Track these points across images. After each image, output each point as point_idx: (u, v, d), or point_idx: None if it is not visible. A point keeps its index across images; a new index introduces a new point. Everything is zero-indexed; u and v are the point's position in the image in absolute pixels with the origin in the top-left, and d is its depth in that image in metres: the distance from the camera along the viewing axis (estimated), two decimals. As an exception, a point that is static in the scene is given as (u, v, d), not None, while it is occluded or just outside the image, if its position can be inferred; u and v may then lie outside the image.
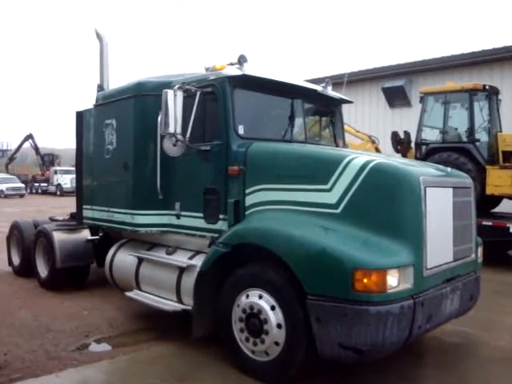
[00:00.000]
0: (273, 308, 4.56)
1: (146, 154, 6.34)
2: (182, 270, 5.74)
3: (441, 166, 5.57)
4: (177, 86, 5.41)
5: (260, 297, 4.68)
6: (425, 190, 4.39)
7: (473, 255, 5.38)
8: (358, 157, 4.64)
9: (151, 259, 6.33)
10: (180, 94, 5.37)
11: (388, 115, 20.06)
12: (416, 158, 13.36)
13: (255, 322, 4.68)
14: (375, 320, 3.94)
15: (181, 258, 5.93)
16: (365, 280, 3.93)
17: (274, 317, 4.54)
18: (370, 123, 19.86)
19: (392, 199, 4.34)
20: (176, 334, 6.05)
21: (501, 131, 12.89)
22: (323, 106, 6.79)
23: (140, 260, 6.51)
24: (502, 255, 12.50)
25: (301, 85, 6.18)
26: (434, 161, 12.52)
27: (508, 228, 11.02)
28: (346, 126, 15.83)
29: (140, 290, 6.45)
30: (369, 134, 15.10)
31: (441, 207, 4.67)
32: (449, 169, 5.56)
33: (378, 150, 14.61)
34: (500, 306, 7.90)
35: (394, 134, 13.70)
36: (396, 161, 4.91)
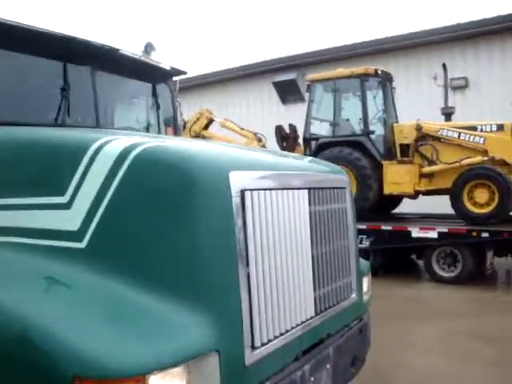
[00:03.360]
0: None
1: None
2: None
3: (294, 155, 3.58)
4: None
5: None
6: (242, 197, 2.31)
7: (353, 295, 3.41)
8: (115, 140, 2.46)
9: None
10: None
11: (281, 112, 18.32)
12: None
13: None
14: None
15: None
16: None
17: None
18: (262, 121, 18.02)
19: (174, 217, 2.19)
20: None
21: (397, 122, 11.40)
22: (139, 78, 4.58)
23: None
24: (406, 262, 10.96)
25: (83, 40, 3.89)
26: (324, 157, 10.78)
27: (409, 232, 9.43)
28: (229, 123, 13.97)
29: None
30: (254, 132, 13.19)
31: (283, 226, 2.60)
32: (307, 158, 3.58)
33: (265, 149, 12.78)
34: (406, 336, 6.10)
35: (279, 129, 11.83)
36: (188, 143, 2.85)
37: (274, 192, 2.53)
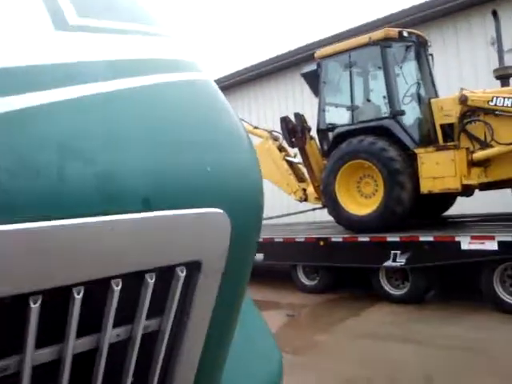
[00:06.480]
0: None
1: None
2: None
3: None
4: None
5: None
6: None
7: None
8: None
9: None
10: None
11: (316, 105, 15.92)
12: (322, 150, 9.20)
13: None
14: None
15: None
16: None
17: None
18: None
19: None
20: None
21: (437, 97, 8.75)
22: None
23: None
24: (462, 281, 8.14)
25: None
26: (341, 151, 8.37)
27: (458, 244, 6.77)
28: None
29: None
30: (269, 130, 10.98)
31: None
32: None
33: (282, 149, 10.53)
34: None
35: (284, 121, 9.45)
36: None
37: None
